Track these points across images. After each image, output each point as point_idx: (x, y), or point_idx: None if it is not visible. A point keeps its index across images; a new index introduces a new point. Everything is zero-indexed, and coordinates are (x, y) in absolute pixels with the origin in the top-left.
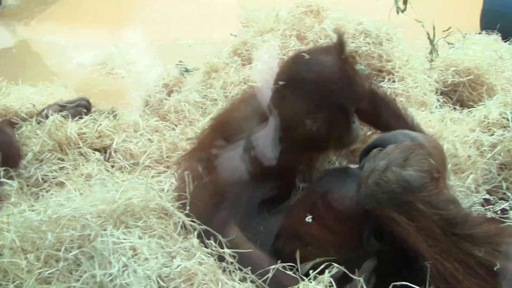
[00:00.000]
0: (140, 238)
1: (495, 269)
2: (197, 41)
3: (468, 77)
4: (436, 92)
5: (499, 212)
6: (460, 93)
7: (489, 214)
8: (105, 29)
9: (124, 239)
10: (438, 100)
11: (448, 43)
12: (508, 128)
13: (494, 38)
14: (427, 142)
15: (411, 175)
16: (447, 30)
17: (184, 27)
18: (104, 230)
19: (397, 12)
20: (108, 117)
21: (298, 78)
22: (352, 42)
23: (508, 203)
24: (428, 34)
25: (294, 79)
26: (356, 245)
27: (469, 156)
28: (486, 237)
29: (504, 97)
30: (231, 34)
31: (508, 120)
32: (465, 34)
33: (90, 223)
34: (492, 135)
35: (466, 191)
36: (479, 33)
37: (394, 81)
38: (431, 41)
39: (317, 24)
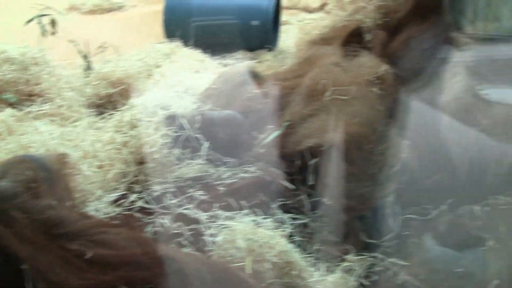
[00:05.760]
0: None
1: (86, 257)
2: None
3: (119, 87)
4: (91, 106)
5: (129, 204)
6: (115, 103)
7: (118, 209)
8: None
9: None
10: (91, 113)
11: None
12: (137, 128)
13: (176, 45)
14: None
15: (4, 185)
16: (101, 46)
17: None
18: None
19: (42, 34)
20: None
21: None
22: None
23: (136, 195)
24: (80, 52)
25: None
26: None
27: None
28: (80, 232)
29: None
30: None
31: (137, 120)
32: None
33: None
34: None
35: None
36: (162, 42)
37: (45, 103)
38: (85, 58)
39: None
